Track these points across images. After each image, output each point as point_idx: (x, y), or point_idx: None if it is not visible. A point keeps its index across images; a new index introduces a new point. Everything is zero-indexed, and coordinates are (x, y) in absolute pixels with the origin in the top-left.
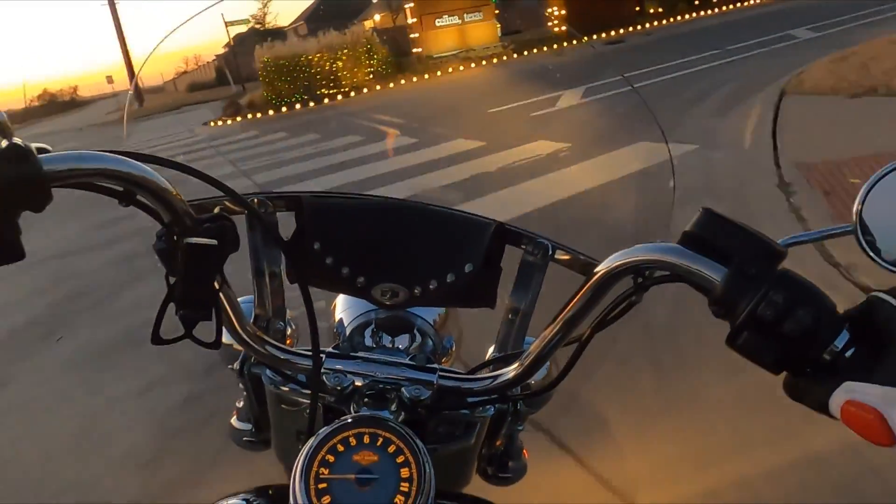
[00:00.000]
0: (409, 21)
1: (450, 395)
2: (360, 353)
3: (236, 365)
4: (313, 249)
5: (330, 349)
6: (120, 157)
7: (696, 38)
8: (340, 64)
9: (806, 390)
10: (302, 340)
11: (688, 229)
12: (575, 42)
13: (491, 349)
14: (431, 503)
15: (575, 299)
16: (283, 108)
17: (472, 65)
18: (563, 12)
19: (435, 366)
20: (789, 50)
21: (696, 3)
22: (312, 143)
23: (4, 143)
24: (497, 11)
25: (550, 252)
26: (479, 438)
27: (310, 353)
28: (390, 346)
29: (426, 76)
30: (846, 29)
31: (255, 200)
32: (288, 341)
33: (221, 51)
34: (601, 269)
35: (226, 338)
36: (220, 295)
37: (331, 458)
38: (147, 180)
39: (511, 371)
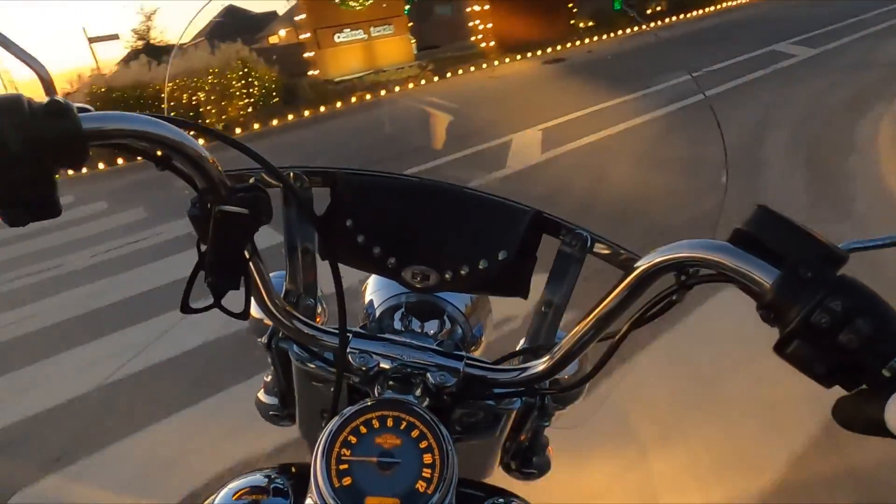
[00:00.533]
0: (302, 37)
1: (476, 385)
2: (388, 335)
3: (264, 338)
4: (346, 227)
5: (357, 329)
6: (159, 120)
7: (651, 55)
8: (202, 95)
9: (859, 407)
10: (332, 319)
11: (740, 227)
12: (508, 59)
13: (521, 341)
14: (453, 491)
15: (612, 294)
16: (120, 161)
17: (383, 91)
18: (490, 25)
19: (462, 353)
20: (792, 73)
21: (633, 16)
22: (136, 227)
23: (46, 100)
24: (411, 24)
25: (589, 244)
26: (504, 431)
27: (337, 332)
28: (419, 330)
29: (322, 108)
30: (847, 42)
31: (292, 174)
32: (318, 319)
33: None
34: (642, 264)
35: (256, 311)
36: (250, 266)
37: (353, 440)
38: (184, 146)
39: (540, 364)
